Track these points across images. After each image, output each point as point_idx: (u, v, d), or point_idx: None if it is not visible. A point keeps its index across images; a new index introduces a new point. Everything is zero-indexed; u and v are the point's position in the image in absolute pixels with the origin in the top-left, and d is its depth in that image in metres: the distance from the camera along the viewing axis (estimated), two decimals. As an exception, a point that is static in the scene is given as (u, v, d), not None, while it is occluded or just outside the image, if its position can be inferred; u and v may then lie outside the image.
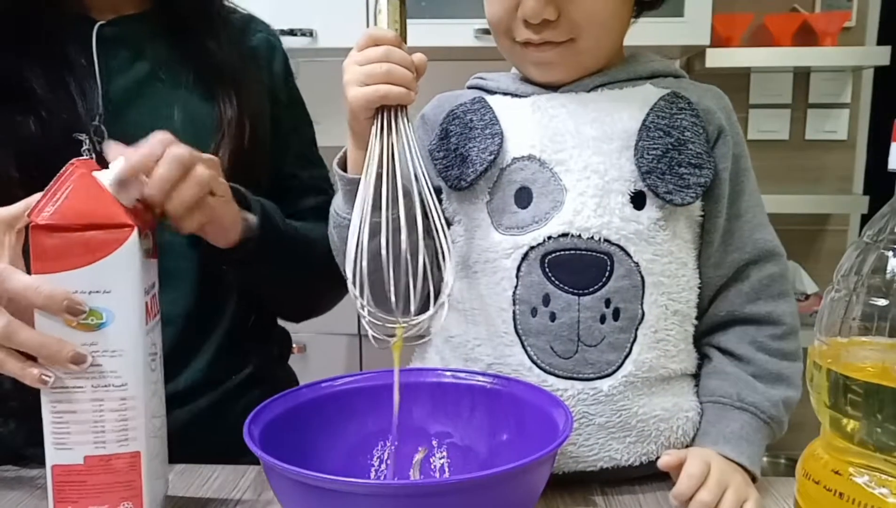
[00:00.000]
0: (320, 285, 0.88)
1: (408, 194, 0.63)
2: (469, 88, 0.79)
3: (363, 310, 0.62)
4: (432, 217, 0.64)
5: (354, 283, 0.62)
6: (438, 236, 0.64)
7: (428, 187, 0.64)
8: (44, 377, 0.58)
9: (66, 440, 0.59)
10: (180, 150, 0.62)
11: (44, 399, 0.59)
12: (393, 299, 0.61)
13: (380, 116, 0.65)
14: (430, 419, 0.70)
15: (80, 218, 0.56)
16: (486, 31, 1.70)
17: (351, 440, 0.68)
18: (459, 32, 1.69)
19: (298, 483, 0.52)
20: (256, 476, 0.73)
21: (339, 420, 0.67)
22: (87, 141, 0.75)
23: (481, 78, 0.78)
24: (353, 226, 0.62)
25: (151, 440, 0.61)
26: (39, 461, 0.75)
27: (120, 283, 0.58)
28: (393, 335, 0.63)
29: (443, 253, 0.64)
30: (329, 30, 1.71)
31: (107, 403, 0.59)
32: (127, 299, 0.58)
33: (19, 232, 0.61)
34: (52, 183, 0.59)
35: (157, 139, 0.63)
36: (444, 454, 0.70)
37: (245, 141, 0.81)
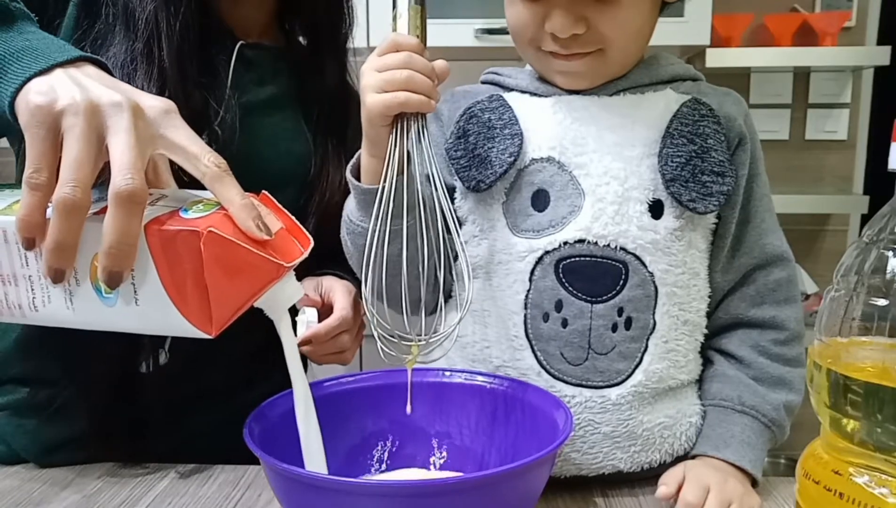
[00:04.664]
0: None
1: (425, 205, 0.63)
2: (483, 82, 0.78)
3: (377, 327, 0.62)
4: (449, 229, 0.63)
5: (371, 300, 0.62)
6: (457, 251, 0.64)
7: (446, 198, 0.63)
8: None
9: None
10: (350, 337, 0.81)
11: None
12: (407, 315, 0.61)
13: (398, 124, 0.63)
14: (430, 419, 0.70)
15: (215, 279, 0.50)
16: (487, 31, 1.72)
17: (351, 440, 0.68)
18: (460, 32, 1.69)
19: (298, 483, 0.52)
20: (256, 476, 0.73)
21: (339, 420, 0.67)
22: (204, 140, 0.76)
23: (496, 73, 0.76)
24: (369, 240, 0.62)
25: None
26: (63, 460, 0.76)
27: (148, 316, 0.53)
28: (405, 351, 0.63)
29: (460, 268, 0.63)
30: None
31: (11, 290, 0.54)
32: (129, 321, 0.53)
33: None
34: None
35: (345, 317, 0.78)
36: (444, 454, 0.70)
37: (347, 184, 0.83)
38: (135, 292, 0.51)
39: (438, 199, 0.63)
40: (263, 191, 0.59)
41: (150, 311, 0.52)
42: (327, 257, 0.84)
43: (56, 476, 0.74)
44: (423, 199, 0.63)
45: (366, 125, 0.65)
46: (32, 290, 0.54)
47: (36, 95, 0.50)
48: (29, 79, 0.52)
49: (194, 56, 0.75)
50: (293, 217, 0.59)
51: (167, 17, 0.72)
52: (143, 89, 0.71)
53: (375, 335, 0.62)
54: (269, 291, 0.53)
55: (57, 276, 0.51)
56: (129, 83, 0.71)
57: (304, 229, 0.58)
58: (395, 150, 0.63)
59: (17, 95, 0.52)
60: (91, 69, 0.55)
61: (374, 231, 0.62)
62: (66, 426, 0.76)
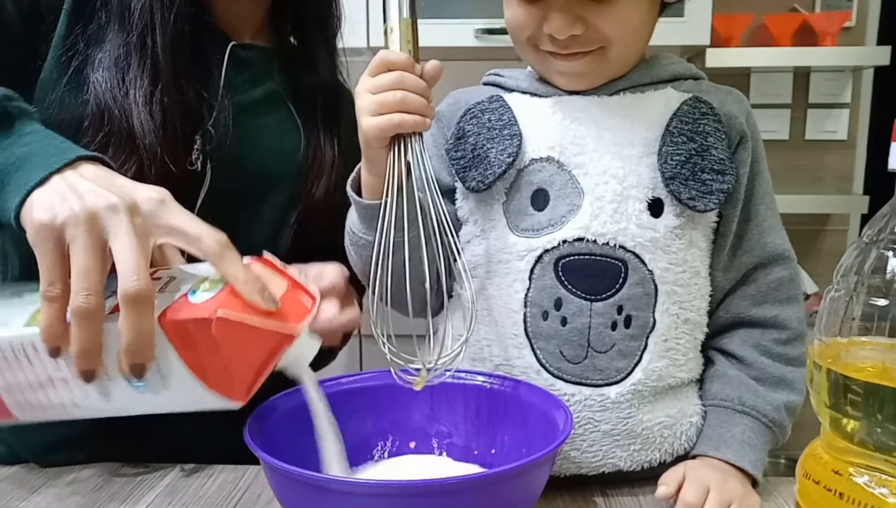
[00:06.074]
0: None
1: (426, 217, 0.63)
2: (485, 84, 0.78)
3: (385, 348, 0.62)
4: (449, 248, 0.63)
5: (377, 324, 0.62)
6: (459, 271, 0.64)
7: (446, 218, 0.63)
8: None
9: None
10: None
11: (37, 334, 0.54)
12: (415, 342, 0.62)
13: (395, 145, 0.63)
14: (430, 419, 0.70)
15: (233, 356, 0.54)
16: (487, 31, 1.72)
17: (351, 440, 0.68)
18: (459, 32, 1.69)
19: (298, 482, 0.52)
20: (256, 476, 0.73)
21: (339, 420, 0.67)
22: (199, 140, 0.77)
23: (498, 75, 0.76)
24: (375, 254, 0.61)
25: (33, 420, 0.60)
26: (63, 460, 0.76)
27: (179, 397, 0.56)
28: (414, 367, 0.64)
29: (464, 289, 0.63)
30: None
31: (52, 392, 0.57)
32: (163, 403, 0.57)
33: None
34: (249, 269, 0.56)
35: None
36: (444, 454, 0.70)
37: (338, 179, 0.84)
38: (162, 377, 0.55)
39: (437, 214, 0.63)
40: (265, 252, 0.61)
41: (181, 392, 0.55)
42: (321, 252, 0.84)
43: (56, 476, 0.74)
44: (423, 210, 0.63)
45: (364, 146, 0.66)
46: (70, 389, 0.57)
47: (38, 211, 0.53)
48: (30, 192, 0.55)
49: (187, 49, 0.76)
50: (295, 274, 0.61)
51: (161, 8, 0.74)
52: (136, 82, 0.73)
53: (385, 353, 0.63)
54: (286, 353, 0.56)
55: (88, 376, 0.54)
56: (123, 79, 0.73)
57: (307, 287, 0.61)
58: (394, 169, 0.63)
59: (22, 209, 0.55)
60: (87, 169, 0.57)
61: (378, 244, 0.62)
62: (66, 425, 0.75)
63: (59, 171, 0.56)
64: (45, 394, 0.57)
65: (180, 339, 0.53)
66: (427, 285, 0.62)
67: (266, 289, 0.55)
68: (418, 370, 0.63)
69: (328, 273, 0.79)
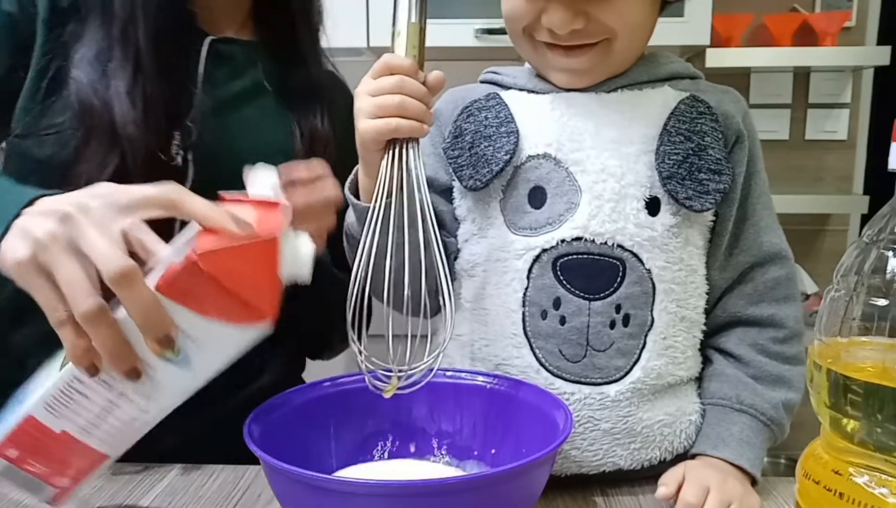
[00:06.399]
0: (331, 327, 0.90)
1: (414, 223, 0.62)
2: (482, 82, 0.78)
3: (360, 355, 0.62)
4: (436, 258, 0.62)
5: (353, 326, 0.61)
6: (440, 283, 0.63)
7: (433, 227, 0.62)
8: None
9: (60, 409, 0.56)
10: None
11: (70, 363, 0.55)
12: (390, 347, 0.61)
13: (391, 150, 0.63)
14: (430, 419, 0.70)
15: (236, 282, 0.54)
16: (487, 31, 1.72)
17: (351, 441, 0.68)
18: (460, 32, 1.69)
19: (298, 482, 0.52)
20: (256, 476, 0.73)
21: (339, 420, 0.67)
22: (178, 137, 0.77)
23: (495, 73, 0.76)
24: (358, 256, 0.61)
25: (123, 450, 0.60)
26: None
27: (217, 350, 0.56)
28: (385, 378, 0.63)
29: (443, 300, 0.62)
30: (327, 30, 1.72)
31: (118, 412, 0.57)
32: (208, 364, 0.57)
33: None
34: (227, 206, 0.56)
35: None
36: (444, 453, 0.70)
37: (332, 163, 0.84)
38: (193, 341, 0.55)
39: (425, 221, 0.62)
40: (220, 193, 0.61)
41: (217, 344, 0.56)
42: None
43: (56, 476, 0.74)
44: (412, 217, 0.62)
45: (360, 149, 0.66)
46: (130, 400, 0.57)
47: (9, 255, 0.54)
48: None
49: (169, 41, 0.76)
50: (252, 195, 0.61)
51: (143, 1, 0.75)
52: (118, 73, 0.74)
53: (358, 360, 0.62)
54: (284, 259, 0.56)
55: (133, 375, 0.55)
56: (105, 72, 0.74)
57: (271, 200, 0.60)
58: (387, 173, 0.63)
59: None
60: (44, 201, 0.58)
61: (363, 248, 0.61)
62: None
63: (17, 215, 0.57)
64: (114, 417, 0.57)
65: (183, 295, 0.53)
66: (406, 292, 0.62)
67: (235, 215, 0.55)
68: (389, 376, 0.63)
69: (296, 168, 0.76)
